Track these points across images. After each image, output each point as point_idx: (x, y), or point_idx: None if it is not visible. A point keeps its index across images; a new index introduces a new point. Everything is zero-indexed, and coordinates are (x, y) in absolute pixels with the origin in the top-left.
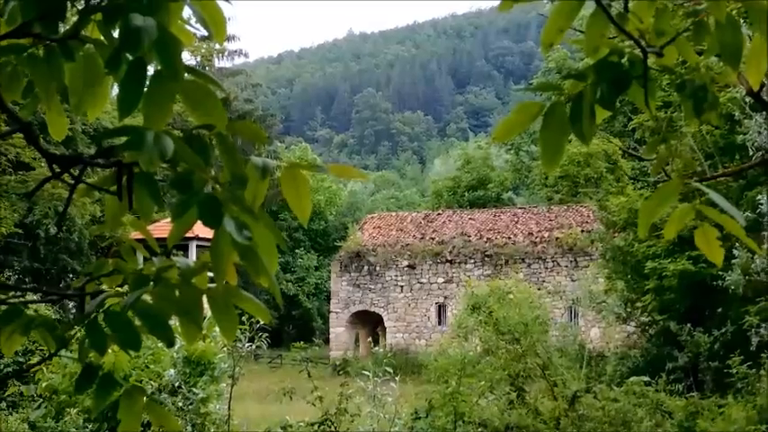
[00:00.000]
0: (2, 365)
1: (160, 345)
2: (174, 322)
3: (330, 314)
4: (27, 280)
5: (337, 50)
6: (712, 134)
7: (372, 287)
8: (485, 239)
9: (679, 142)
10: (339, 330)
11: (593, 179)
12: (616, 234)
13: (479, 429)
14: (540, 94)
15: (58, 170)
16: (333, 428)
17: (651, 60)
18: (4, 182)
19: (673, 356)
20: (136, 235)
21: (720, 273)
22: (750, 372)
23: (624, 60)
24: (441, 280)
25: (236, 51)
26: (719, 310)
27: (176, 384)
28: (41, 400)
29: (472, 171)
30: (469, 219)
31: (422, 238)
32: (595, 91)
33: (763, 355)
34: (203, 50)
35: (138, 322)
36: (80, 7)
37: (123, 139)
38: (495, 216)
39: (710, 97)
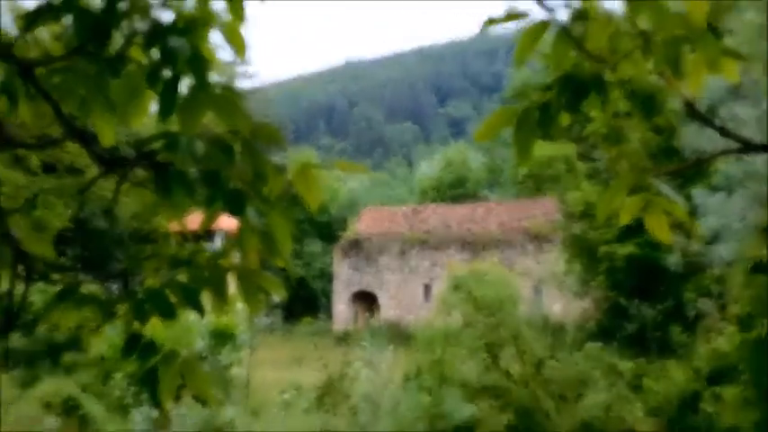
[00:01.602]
0: (59, 337)
1: (191, 319)
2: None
3: (333, 293)
4: (78, 266)
5: (338, 74)
6: (654, 140)
7: (368, 270)
8: (464, 229)
9: (626, 145)
10: (341, 307)
11: (554, 178)
12: (574, 223)
13: (462, 388)
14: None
15: (107, 168)
16: (336, 390)
17: (608, 73)
18: (61, 185)
19: (623, 326)
20: (172, 226)
21: (662, 255)
22: (687, 337)
23: (584, 72)
24: (427, 264)
25: (251, 74)
26: (662, 286)
27: (204, 353)
28: (91, 366)
29: (452, 171)
30: (451, 212)
31: (410, 229)
32: (560, 99)
33: (699, 325)
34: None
35: (173, 297)
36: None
37: (160, 142)
38: (472, 209)
39: (657, 104)
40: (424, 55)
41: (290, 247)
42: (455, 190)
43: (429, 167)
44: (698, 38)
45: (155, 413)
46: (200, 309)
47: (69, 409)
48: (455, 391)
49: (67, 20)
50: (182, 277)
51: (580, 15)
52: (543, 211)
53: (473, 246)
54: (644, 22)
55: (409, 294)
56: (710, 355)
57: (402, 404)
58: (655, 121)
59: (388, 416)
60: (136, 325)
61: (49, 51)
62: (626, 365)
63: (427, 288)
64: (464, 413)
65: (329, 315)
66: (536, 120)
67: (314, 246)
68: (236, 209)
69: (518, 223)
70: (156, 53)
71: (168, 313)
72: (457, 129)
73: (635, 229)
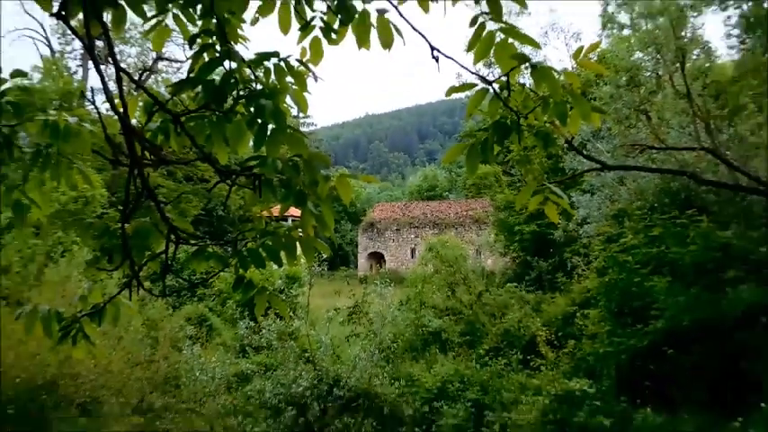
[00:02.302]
0: (195, 279)
1: (274, 267)
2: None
3: (358, 253)
4: (206, 236)
5: (360, 122)
6: (548, 162)
7: (378, 240)
8: (434, 216)
9: (532, 166)
10: (362, 262)
11: (487, 186)
12: (500, 213)
13: (432, 310)
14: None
15: (223, 178)
16: (359, 310)
17: (522, 121)
18: (195, 188)
19: (528, 273)
20: (263, 212)
21: (552, 231)
22: (566, 280)
23: (508, 121)
24: (412, 236)
25: (310, 122)
26: (551, 249)
27: (281, 288)
28: (214, 296)
29: (427, 182)
30: (426, 206)
31: (403, 216)
32: (493, 137)
33: (574, 273)
34: (294, 121)
35: (263, 254)
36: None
37: (255, 162)
38: (439, 205)
39: (550, 140)
40: (411, 111)
41: (332, 225)
42: (429, 193)
43: (414, 180)
44: (576, 100)
45: (252, 324)
46: (279, 261)
47: (201, 321)
48: (429, 311)
49: (199, 88)
50: (268, 242)
51: (505, 87)
52: (481, 206)
53: (440, 226)
54: (543, 90)
55: (402, 254)
56: (580, 290)
57: (398, 318)
58: (549, 150)
59: (390, 325)
60: (241, 271)
61: (188, 106)
62: (530, 297)
63: (413, 251)
64: (435, 324)
65: (355, 266)
66: (479, 150)
67: (346, 225)
68: (300, 202)
69: (466, 213)
70: (252, 109)
71: (260, 264)
72: (430, 157)
73: (536, 216)
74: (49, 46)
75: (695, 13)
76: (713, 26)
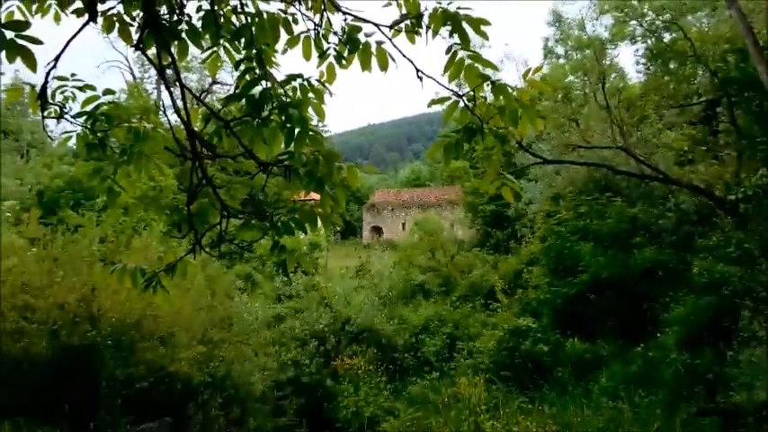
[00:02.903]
0: (242, 245)
1: (301, 236)
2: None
3: (363, 227)
4: (251, 213)
5: (364, 130)
6: (504, 158)
7: (378, 217)
8: (419, 199)
9: (492, 160)
10: (366, 233)
11: (458, 176)
12: (468, 196)
13: (418, 268)
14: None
15: (262, 168)
16: (364, 269)
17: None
18: (242, 179)
19: (488, 241)
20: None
21: (506, 209)
22: (517, 245)
23: (474, 125)
24: (403, 214)
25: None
26: (506, 223)
27: (306, 252)
28: (257, 258)
29: (414, 174)
30: (413, 192)
31: (396, 199)
32: (463, 138)
33: (522, 240)
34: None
35: (292, 225)
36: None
37: (286, 157)
38: (422, 191)
39: (506, 139)
40: (402, 121)
41: (344, 204)
42: (415, 182)
43: (404, 173)
44: (525, 109)
45: (285, 279)
46: (304, 230)
47: (247, 277)
48: (415, 269)
49: (243, 101)
50: (296, 217)
51: (472, 99)
52: (454, 191)
53: (423, 207)
54: (500, 102)
55: (395, 228)
56: (527, 253)
57: (392, 274)
58: (504, 148)
59: (387, 279)
60: (276, 238)
61: (235, 115)
62: (490, 258)
63: (403, 225)
64: (419, 278)
65: (361, 237)
66: (453, 147)
67: (354, 206)
68: (320, 187)
69: (443, 197)
70: (283, 116)
71: (290, 232)
72: (416, 156)
73: (495, 198)
74: (132, 74)
75: (613, 46)
76: (626, 56)
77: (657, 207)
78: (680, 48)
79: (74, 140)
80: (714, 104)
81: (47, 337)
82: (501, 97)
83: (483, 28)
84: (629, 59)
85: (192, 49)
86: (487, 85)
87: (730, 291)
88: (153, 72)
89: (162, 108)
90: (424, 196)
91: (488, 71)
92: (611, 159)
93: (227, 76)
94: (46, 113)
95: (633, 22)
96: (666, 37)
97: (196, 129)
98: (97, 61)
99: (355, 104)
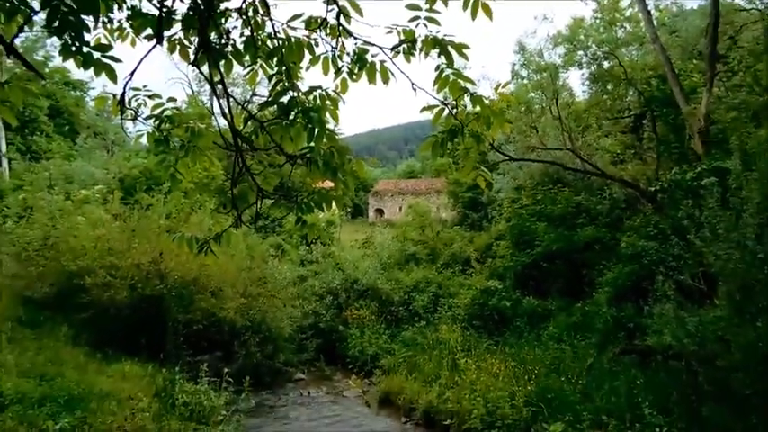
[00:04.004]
0: (270, 222)
1: (320, 215)
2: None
3: (368, 209)
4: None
5: (369, 133)
6: (480, 156)
7: (381, 201)
8: (413, 188)
9: (469, 157)
10: (371, 214)
11: (443, 170)
12: (450, 186)
13: (410, 241)
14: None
15: (289, 160)
16: (369, 242)
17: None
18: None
19: (466, 221)
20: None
21: (480, 196)
22: (488, 224)
23: (456, 128)
24: (400, 200)
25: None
26: (479, 207)
27: (323, 226)
28: (285, 232)
29: (409, 169)
30: (408, 182)
31: (394, 188)
32: (447, 137)
33: (492, 220)
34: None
35: (312, 204)
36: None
37: (307, 150)
38: (416, 181)
39: (481, 139)
40: (402, 126)
41: (353, 189)
42: (410, 175)
43: (401, 167)
44: (496, 116)
45: (307, 248)
46: (322, 209)
47: (278, 246)
48: (409, 242)
49: (274, 107)
50: (315, 198)
51: (454, 107)
52: (440, 182)
53: (416, 194)
54: (477, 110)
55: (394, 210)
56: (496, 231)
57: (391, 246)
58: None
59: (386, 250)
60: (300, 215)
61: (268, 118)
62: (467, 234)
63: (400, 208)
64: (411, 249)
65: (367, 217)
66: (439, 145)
67: (361, 193)
68: (334, 175)
69: (432, 186)
70: (306, 119)
71: (310, 210)
72: (411, 154)
73: (471, 187)
74: (191, 88)
75: (564, 71)
76: (574, 78)
77: (596, 196)
78: (616, 73)
79: (145, 138)
80: (640, 118)
81: (127, 289)
82: (478, 106)
83: (464, 51)
84: (576, 81)
85: (236, 68)
86: (467, 95)
87: (648, 261)
88: (207, 87)
89: (212, 114)
90: (417, 186)
91: (468, 85)
92: (562, 158)
93: (264, 90)
94: (124, 116)
95: (580, 52)
96: (605, 64)
97: (238, 128)
98: (165, 78)
99: (363, 112)
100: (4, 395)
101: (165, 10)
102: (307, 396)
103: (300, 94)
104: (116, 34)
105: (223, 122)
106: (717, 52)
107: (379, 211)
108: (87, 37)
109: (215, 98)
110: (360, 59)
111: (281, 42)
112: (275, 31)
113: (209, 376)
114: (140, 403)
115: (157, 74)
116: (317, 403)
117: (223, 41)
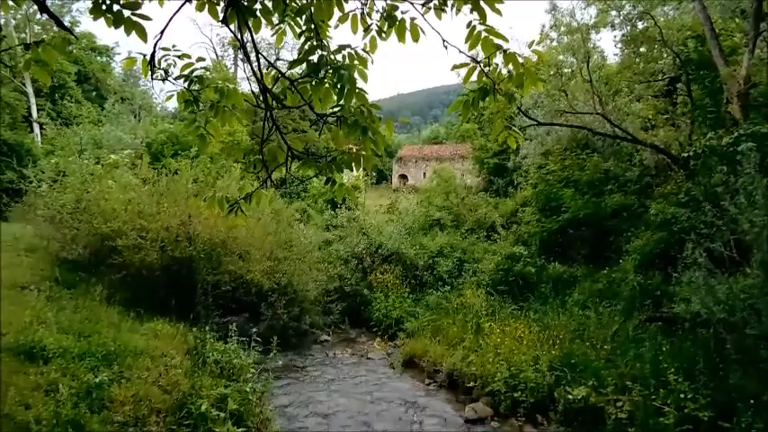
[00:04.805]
0: (298, 181)
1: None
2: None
3: (392, 175)
4: (320, 155)
5: (394, 98)
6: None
7: (405, 167)
8: (437, 154)
9: (498, 121)
10: (395, 180)
11: (469, 136)
12: (476, 151)
13: (435, 206)
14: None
15: (319, 118)
16: (393, 206)
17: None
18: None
19: (492, 187)
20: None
21: (506, 162)
22: (514, 191)
23: (488, 87)
24: (424, 165)
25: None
26: (505, 173)
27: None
28: (310, 197)
29: (434, 134)
30: (433, 148)
31: (419, 153)
32: (478, 96)
33: (518, 186)
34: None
35: (342, 163)
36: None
37: (338, 109)
38: (440, 147)
39: (513, 98)
40: (425, 91)
41: (383, 147)
42: (434, 140)
43: (425, 133)
44: (528, 74)
45: (332, 212)
46: (350, 168)
47: (303, 211)
48: (433, 207)
49: (303, 65)
50: (345, 157)
51: (486, 65)
52: (465, 148)
53: (440, 160)
54: (509, 66)
55: (418, 175)
56: (521, 197)
57: (415, 211)
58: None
59: (410, 215)
60: (330, 174)
61: (298, 77)
62: (492, 200)
63: (424, 174)
64: (436, 215)
65: (391, 182)
66: (470, 104)
67: (386, 158)
68: (364, 133)
69: (456, 151)
70: (335, 78)
71: (340, 169)
72: (436, 119)
73: (497, 153)
74: (215, 52)
75: (596, 32)
76: (606, 40)
77: (625, 162)
78: (650, 34)
79: (174, 99)
80: (674, 81)
81: (157, 251)
82: (510, 64)
83: (497, 5)
84: (608, 43)
85: (262, 33)
86: (500, 52)
87: (678, 228)
88: (230, 52)
89: (236, 78)
90: (441, 151)
91: (501, 42)
92: (591, 123)
93: (288, 55)
94: (154, 76)
95: (613, 12)
96: (640, 25)
97: (268, 85)
98: (189, 43)
99: (387, 77)
100: (47, 349)
101: None
102: (332, 357)
103: (329, 52)
104: None
105: (247, 88)
106: (762, 10)
107: (403, 177)
108: None
109: (240, 61)
110: (389, 17)
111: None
112: None
113: (238, 337)
114: (173, 360)
115: (181, 40)
116: (343, 364)
117: None
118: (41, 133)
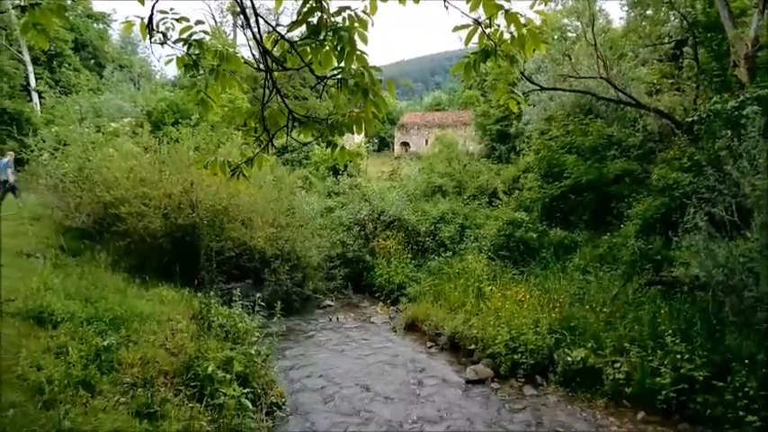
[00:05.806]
0: (300, 145)
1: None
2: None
3: (394, 142)
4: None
5: (397, 65)
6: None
7: (407, 134)
8: (439, 120)
9: (501, 86)
10: (396, 148)
11: (471, 102)
12: (478, 118)
13: (437, 173)
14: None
15: (320, 80)
16: (395, 173)
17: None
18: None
19: (494, 153)
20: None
21: (508, 129)
22: (516, 157)
23: (489, 48)
24: (427, 132)
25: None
26: (507, 139)
27: (350, 159)
28: (312, 165)
29: (435, 100)
30: (435, 114)
31: (421, 119)
32: (480, 58)
33: (520, 152)
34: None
35: (343, 126)
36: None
37: (338, 71)
38: (442, 114)
39: (515, 60)
40: (427, 57)
41: (384, 111)
42: (437, 107)
43: (427, 99)
44: (531, 35)
45: (334, 179)
46: (352, 131)
47: (305, 178)
48: (435, 174)
49: (303, 27)
50: (346, 120)
51: (488, 26)
52: (467, 114)
53: (442, 126)
54: (511, 28)
55: (420, 143)
56: (524, 163)
57: (417, 178)
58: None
59: (413, 182)
60: (331, 138)
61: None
62: (494, 166)
63: (426, 140)
64: (438, 181)
65: (393, 150)
66: (471, 65)
67: (388, 125)
68: (365, 96)
69: (459, 118)
70: (336, 39)
71: (341, 132)
72: (438, 86)
73: (499, 119)
74: (214, 19)
75: None
76: (612, 3)
77: (628, 127)
78: None
79: (174, 66)
80: (681, 44)
81: (160, 218)
82: (512, 25)
83: None
84: (614, 6)
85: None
86: (502, 13)
87: (680, 193)
88: (229, 18)
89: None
90: (443, 118)
91: (503, 2)
92: (595, 88)
93: (287, 20)
94: (153, 40)
95: None
96: None
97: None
98: (188, 10)
99: (388, 43)
100: (56, 314)
101: None
102: (335, 322)
103: (329, 14)
104: None
105: (247, 55)
106: None
107: (405, 144)
108: None
109: (239, 28)
110: None
111: None
112: None
113: (242, 302)
114: (179, 324)
115: (179, 6)
116: (346, 328)
117: None
118: (40, 102)
